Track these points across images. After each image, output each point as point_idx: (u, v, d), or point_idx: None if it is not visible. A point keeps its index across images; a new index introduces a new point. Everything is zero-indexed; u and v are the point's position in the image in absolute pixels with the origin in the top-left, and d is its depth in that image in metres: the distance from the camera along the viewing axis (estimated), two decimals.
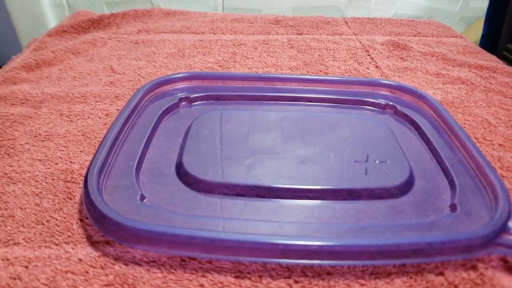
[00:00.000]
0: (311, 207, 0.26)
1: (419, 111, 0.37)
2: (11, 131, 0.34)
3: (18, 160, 0.31)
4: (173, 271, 0.22)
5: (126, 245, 0.23)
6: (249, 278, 0.22)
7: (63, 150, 0.32)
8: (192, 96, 0.38)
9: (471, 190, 0.27)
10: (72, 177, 0.29)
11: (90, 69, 0.47)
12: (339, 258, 0.22)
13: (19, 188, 0.28)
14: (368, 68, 0.50)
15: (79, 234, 0.24)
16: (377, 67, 0.50)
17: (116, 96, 0.41)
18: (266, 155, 0.30)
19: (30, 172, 0.29)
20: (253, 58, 0.52)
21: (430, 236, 0.23)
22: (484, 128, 0.37)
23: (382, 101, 0.39)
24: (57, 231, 0.25)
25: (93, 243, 0.24)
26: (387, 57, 0.53)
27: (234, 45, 0.56)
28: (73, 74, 0.46)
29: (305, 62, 0.51)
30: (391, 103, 0.39)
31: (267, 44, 0.57)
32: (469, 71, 0.50)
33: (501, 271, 0.23)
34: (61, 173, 0.30)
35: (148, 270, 0.22)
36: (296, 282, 0.22)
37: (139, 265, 0.22)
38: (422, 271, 0.23)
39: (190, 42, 0.56)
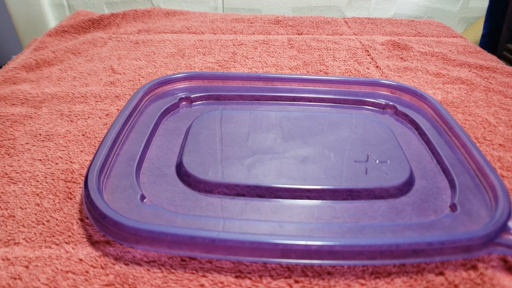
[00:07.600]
0: (311, 207, 0.26)
1: (419, 111, 0.37)
2: (11, 131, 0.34)
3: (18, 160, 0.31)
4: (173, 271, 0.22)
5: (126, 245, 0.23)
6: (250, 278, 0.22)
7: (63, 150, 0.32)
8: (192, 96, 0.38)
9: (471, 190, 0.27)
10: (72, 177, 0.29)
11: (90, 69, 0.47)
12: (339, 258, 0.22)
13: (20, 188, 0.28)
14: (368, 68, 0.50)
15: (79, 234, 0.24)
16: (377, 67, 0.50)
17: (116, 96, 0.41)
18: (266, 155, 0.30)
19: (30, 172, 0.29)
20: (253, 58, 0.52)
21: (430, 236, 0.23)
22: (484, 128, 0.37)
23: (382, 101, 0.39)
24: (57, 231, 0.25)
25: (93, 243, 0.24)
26: (387, 57, 0.53)
27: (234, 45, 0.56)
28: (73, 74, 0.46)
29: (305, 62, 0.51)
30: (391, 103, 0.39)
31: (267, 44, 0.57)
32: (469, 71, 0.50)
33: (501, 271, 0.23)
34: (62, 173, 0.30)
35: (148, 270, 0.22)
36: (296, 282, 0.22)
37: (140, 265, 0.22)
38: (422, 271, 0.23)
39: (190, 42, 0.56)
